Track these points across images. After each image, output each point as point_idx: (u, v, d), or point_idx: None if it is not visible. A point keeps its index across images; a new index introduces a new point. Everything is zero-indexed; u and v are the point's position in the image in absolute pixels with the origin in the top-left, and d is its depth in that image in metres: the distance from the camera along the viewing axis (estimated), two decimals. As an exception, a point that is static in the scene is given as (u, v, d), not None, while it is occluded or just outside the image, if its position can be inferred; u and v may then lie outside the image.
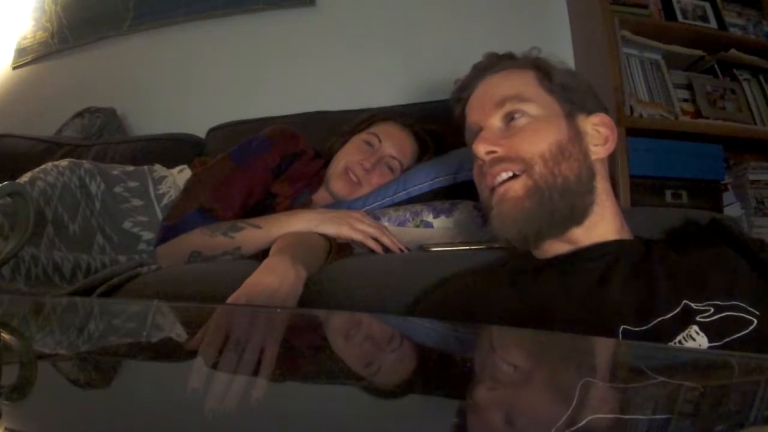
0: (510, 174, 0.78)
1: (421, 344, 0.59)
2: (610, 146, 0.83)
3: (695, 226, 0.79)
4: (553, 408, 0.35)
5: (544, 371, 0.46)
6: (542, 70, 0.85)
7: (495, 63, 0.90)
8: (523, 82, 0.84)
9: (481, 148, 0.79)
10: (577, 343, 0.54)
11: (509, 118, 0.81)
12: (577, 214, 0.77)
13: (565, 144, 0.78)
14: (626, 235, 0.79)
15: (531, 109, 0.81)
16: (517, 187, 0.77)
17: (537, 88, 0.83)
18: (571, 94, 0.83)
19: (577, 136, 0.80)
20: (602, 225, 0.78)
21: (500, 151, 0.79)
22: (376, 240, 1.06)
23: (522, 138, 0.79)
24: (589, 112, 0.83)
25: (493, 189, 0.79)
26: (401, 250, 1.07)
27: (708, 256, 0.70)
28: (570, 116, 0.81)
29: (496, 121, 0.82)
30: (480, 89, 0.87)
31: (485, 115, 0.83)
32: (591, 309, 0.68)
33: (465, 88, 0.90)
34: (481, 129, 0.83)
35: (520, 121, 0.81)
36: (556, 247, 0.79)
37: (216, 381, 0.39)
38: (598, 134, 0.82)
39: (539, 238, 0.78)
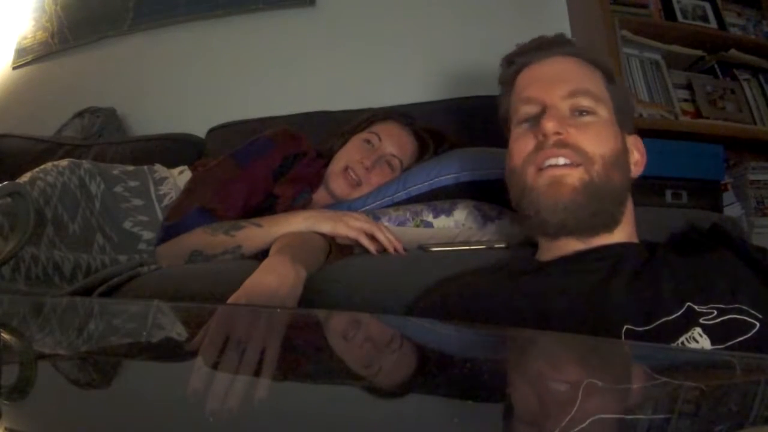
0: (568, 161, 0.77)
1: (421, 344, 0.59)
2: (639, 169, 0.84)
3: (697, 231, 0.79)
4: (555, 408, 0.35)
5: (546, 371, 0.46)
6: (608, 76, 0.85)
7: (566, 43, 0.88)
8: (596, 81, 0.83)
9: (551, 125, 0.77)
10: (579, 344, 0.54)
11: (578, 111, 0.80)
12: (612, 221, 0.78)
13: (619, 153, 0.80)
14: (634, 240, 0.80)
15: (600, 110, 0.81)
16: (575, 176, 0.76)
17: (605, 92, 0.83)
18: (624, 109, 0.84)
19: (624, 150, 0.82)
20: (618, 235, 0.79)
21: (566, 136, 0.78)
22: (372, 237, 1.06)
23: (588, 134, 0.78)
24: (629, 132, 0.85)
25: (541, 168, 0.78)
26: (396, 251, 1.06)
27: (711, 260, 0.71)
28: (621, 129, 0.82)
29: (564, 106, 0.80)
30: (550, 66, 0.85)
31: (554, 96, 0.80)
32: (594, 309, 0.68)
33: (525, 54, 0.88)
34: (545, 106, 0.80)
35: (588, 118, 0.80)
36: (570, 245, 0.79)
37: (216, 381, 0.39)
38: (632, 155, 0.84)
39: (571, 231, 0.77)
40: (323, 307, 0.89)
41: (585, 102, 0.80)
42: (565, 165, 0.76)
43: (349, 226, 1.05)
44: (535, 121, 0.80)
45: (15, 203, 0.61)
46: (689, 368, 0.47)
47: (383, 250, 1.06)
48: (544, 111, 0.79)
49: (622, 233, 0.79)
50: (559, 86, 0.81)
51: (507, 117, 0.87)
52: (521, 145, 0.81)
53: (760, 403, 0.36)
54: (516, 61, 0.88)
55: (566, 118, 0.79)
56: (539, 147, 0.78)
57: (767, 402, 0.36)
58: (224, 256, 1.07)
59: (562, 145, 0.77)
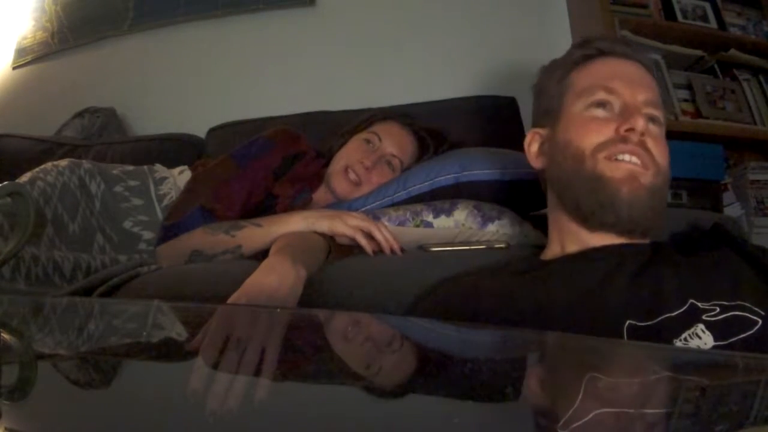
0: (639, 162, 0.78)
1: (421, 344, 0.59)
2: None
3: (699, 231, 0.80)
4: (555, 408, 0.35)
5: (546, 371, 0.46)
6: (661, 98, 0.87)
7: (644, 53, 0.90)
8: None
9: (642, 124, 0.78)
10: (580, 343, 0.54)
11: (651, 119, 0.81)
12: (652, 228, 0.79)
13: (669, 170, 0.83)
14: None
15: (663, 126, 0.84)
16: (647, 177, 0.78)
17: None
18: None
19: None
20: (644, 239, 0.80)
21: (648, 142, 0.79)
22: (370, 236, 1.05)
23: (659, 145, 0.81)
24: None
25: (613, 159, 0.78)
26: (393, 251, 1.05)
27: (713, 258, 0.71)
28: None
29: (643, 112, 0.81)
30: (634, 68, 0.86)
31: (638, 99, 0.81)
32: (597, 304, 0.68)
33: (607, 42, 0.88)
34: (626, 104, 0.81)
35: (657, 129, 0.82)
36: (595, 239, 0.79)
37: (216, 381, 0.39)
38: None
39: (625, 227, 0.78)
40: (323, 307, 0.89)
41: (658, 114, 0.83)
42: (636, 163, 0.78)
43: (346, 224, 1.05)
44: (611, 111, 0.81)
45: (15, 203, 0.61)
46: (689, 368, 0.47)
47: (381, 249, 1.05)
48: (627, 108, 0.80)
49: (647, 238, 0.80)
50: (643, 91, 0.82)
51: (562, 90, 0.87)
52: (596, 127, 0.81)
53: (760, 403, 0.36)
54: (594, 43, 0.88)
55: (647, 124, 0.80)
56: (621, 139, 0.79)
57: (767, 402, 0.36)
58: (224, 255, 1.07)
59: (642, 146, 0.78)
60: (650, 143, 0.79)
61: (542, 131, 0.89)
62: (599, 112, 0.82)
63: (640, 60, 0.87)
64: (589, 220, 0.80)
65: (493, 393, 0.39)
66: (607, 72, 0.85)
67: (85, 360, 0.45)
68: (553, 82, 0.88)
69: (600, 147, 0.79)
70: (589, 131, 0.81)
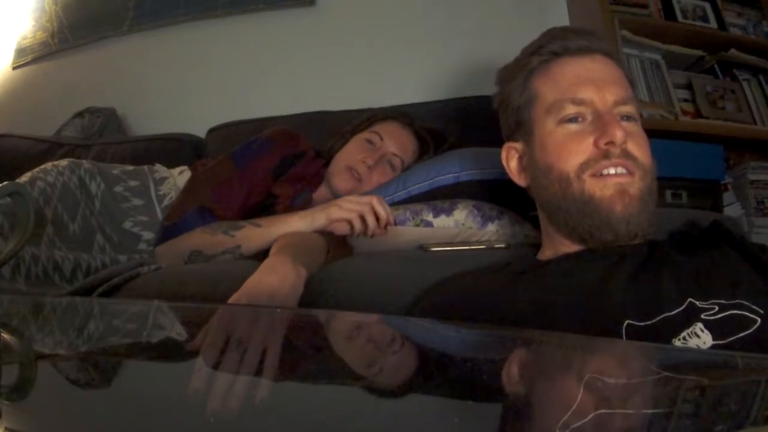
0: (625, 171, 0.76)
1: (422, 344, 0.59)
2: None
3: (697, 228, 0.79)
4: (555, 408, 0.35)
5: (545, 371, 0.46)
6: (631, 83, 0.84)
7: (601, 40, 0.85)
8: (630, 87, 0.82)
9: (620, 135, 0.75)
10: (579, 343, 0.54)
11: (625, 117, 0.79)
12: (650, 230, 0.77)
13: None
14: None
15: (638, 118, 0.81)
16: (636, 185, 0.76)
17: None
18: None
19: None
20: (640, 239, 0.79)
21: (628, 146, 0.77)
22: (362, 220, 1.05)
23: (639, 143, 0.78)
24: None
25: (599, 175, 0.76)
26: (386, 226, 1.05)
27: (711, 257, 0.71)
28: None
29: (614, 112, 0.78)
30: (598, 64, 0.81)
31: (607, 101, 0.78)
32: (595, 304, 0.68)
33: (558, 42, 0.84)
34: (597, 111, 0.78)
35: (633, 126, 0.79)
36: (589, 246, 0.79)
37: (217, 381, 0.39)
38: None
39: (622, 240, 0.76)
40: (324, 308, 0.89)
41: (631, 109, 0.80)
42: (622, 174, 0.76)
43: (341, 208, 1.05)
44: (585, 122, 0.79)
45: (15, 203, 0.61)
46: (689, 368, 0.47)
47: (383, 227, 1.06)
48: (600, 117, 0.77)
49: (643, 237, 0.79)
50: (612, 90, 0.79)
51: (527, 99, 0.84)
52: (575, 146, 0.78)
53: (760, 403, 0.36)
54: (547, 47, 0.84)
55: (624, 126, 0.77)
56: (603, 155, 0.76)
57: (767, 402, 0.36)
58: (224, 256, 1.07)
59: (626, 155, 0.76)
60: (631, 146, 0.77)
61: (517, 145, 0.87)
62: (573, 127, 0.79)
63: (599, 49, 0.83)
64: (586, 239, 0.79)
65: (492, 393, 0.39)
66: (570, 78, 0.81)
67: (85, 360, 0.45)
68: (516, 92, 0.85)
69: (584, 166, 0.77)
70: (568, 152, 0.78)
